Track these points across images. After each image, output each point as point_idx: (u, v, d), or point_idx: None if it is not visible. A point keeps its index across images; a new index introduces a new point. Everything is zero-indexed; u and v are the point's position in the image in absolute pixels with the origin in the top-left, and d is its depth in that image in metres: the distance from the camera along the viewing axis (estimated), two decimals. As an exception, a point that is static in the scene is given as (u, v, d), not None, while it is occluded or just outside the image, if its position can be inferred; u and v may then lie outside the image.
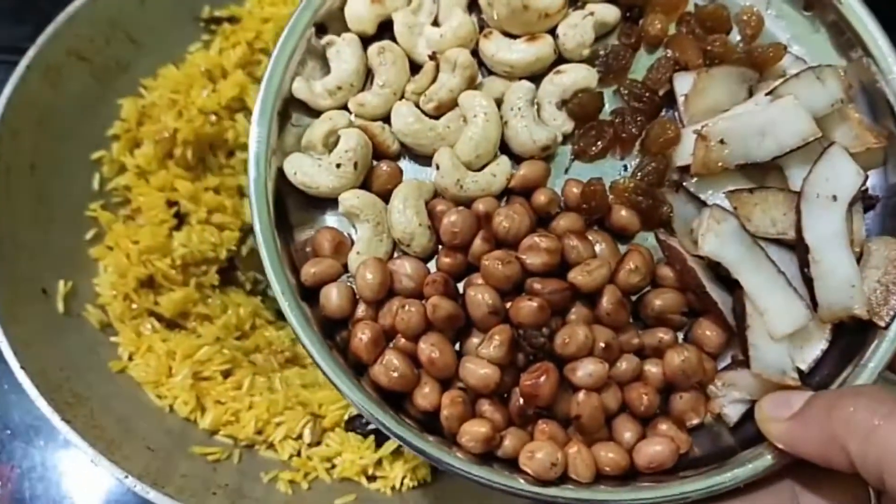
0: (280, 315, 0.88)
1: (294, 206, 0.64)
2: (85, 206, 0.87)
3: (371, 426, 0.82)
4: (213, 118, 0.89)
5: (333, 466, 0.82)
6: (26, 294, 0.78)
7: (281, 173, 0.63)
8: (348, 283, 0.62)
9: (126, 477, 0.70)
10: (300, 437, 0.82)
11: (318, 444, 0.83)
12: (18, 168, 0.81)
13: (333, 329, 0.62)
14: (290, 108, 0.66)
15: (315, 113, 0.66)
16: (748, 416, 0.59)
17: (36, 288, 0.80)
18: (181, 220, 0.89)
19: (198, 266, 0.88)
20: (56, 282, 0.81)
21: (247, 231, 0.90)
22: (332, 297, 0.60)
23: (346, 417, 0.83)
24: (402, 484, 0.80)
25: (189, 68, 0.92)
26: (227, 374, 0.84)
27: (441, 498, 0.80)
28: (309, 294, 0.61)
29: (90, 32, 0.86)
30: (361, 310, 0.61)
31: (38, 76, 0.82)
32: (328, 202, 0.64)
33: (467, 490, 0.78)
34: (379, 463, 0.81)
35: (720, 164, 0.60)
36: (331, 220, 0.65)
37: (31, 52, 0.82)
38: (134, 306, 0.84)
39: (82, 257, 0.85)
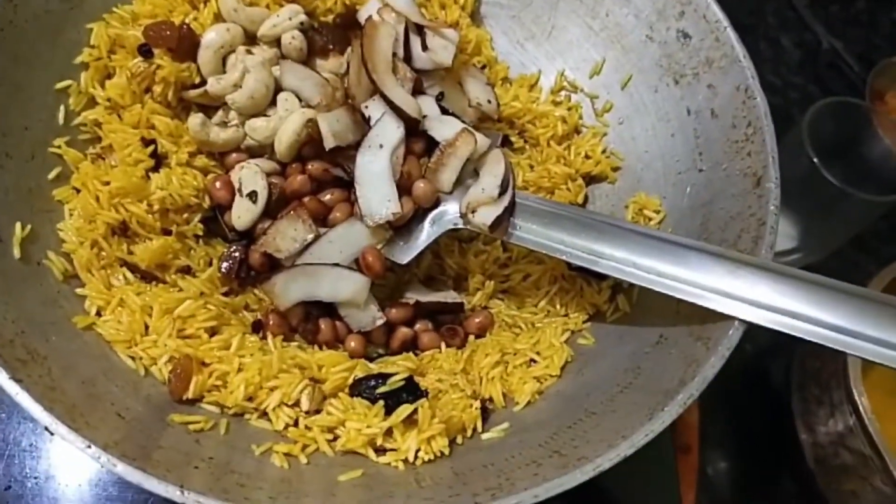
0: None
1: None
2: (48, 142, 0.76)
3: (381, 389, 0.70)
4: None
5: (336, 438, 0.69)
6: (-23, 237, 0.68)
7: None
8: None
9: (89, 447, 0.59)
10: (297, 404, 0.70)
11: (318, 411, 0.71)
12: (-29, 95, 0.71)
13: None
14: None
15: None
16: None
17: (-11, 231, 0.69)
18: (159, 161, 0.79)
19: (178, 213, 0.78)
20: (12, 225, 0.70)
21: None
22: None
23: (350, 380, 0.72)
24: (415, 457, 0.67)
25: (169, -9, 0.81)
26: (212, 333, 0.73)
27: (460, 473, 0.68)
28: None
29: (55, -60, 0.75)
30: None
31: (-9, -13, 0.72)
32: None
33: (488, 463, 0.67)
34: (389, 433, 0.68)
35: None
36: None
37: (-18, -41, 0.71)
38: (104, 255, 0.73)
39: (44, 199, 0.74)
